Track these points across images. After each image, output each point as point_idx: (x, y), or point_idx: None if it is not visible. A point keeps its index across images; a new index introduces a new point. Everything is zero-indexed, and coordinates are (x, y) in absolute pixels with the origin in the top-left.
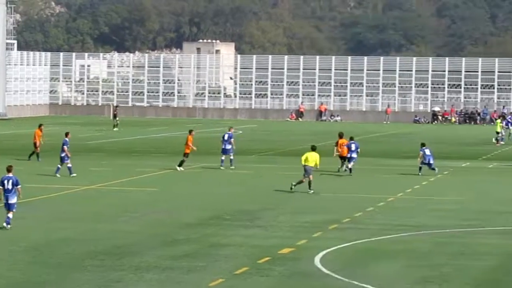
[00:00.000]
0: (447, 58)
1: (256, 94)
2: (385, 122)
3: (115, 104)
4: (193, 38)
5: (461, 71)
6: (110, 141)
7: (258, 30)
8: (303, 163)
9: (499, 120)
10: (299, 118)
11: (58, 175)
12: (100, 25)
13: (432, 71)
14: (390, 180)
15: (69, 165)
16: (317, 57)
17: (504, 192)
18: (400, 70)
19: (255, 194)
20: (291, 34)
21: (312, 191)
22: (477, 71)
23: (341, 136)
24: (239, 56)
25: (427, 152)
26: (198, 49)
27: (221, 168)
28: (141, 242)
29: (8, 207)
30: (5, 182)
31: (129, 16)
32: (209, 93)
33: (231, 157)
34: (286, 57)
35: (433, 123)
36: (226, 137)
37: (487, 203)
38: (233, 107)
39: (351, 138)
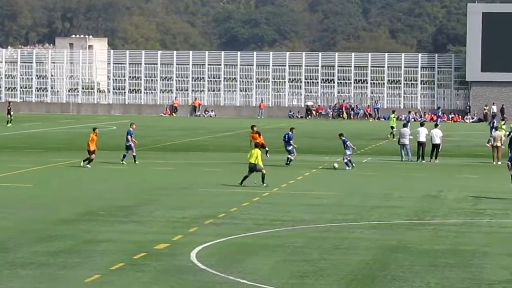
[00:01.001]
0: (320, 53)
1: (129, 89)
2: (259, 117)
3: (9, 100)
4: (65, 34)
5: (334, 66)
6: None
7: (131, 25)
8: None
9: (393, 115)
10: (173, 114)
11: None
12: None
13: (306, 66)
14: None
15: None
16: (191, 52)
17: (378, 187)
18: (273, 65)
19: (130, 190)
20: (164, 30)
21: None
22: (350, 66)
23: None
24: (112, 51)
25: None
26: (71, 44)
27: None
28: (16, 238)
29: None
30: None
31: (1, 11)
32: (82, 88)
33: (291, 157)
34: (159, 52)
35: (307, 117)
36: (286, 137)
37: (361, 198)
38: (107, 103)
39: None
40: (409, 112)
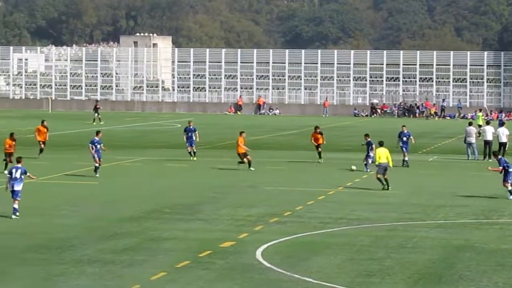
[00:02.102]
0: (385, 51)
1: (194, 87)
2: (323, 115)
3: (96, 99)
4: (130, 32)
5: (399, 64)
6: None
7: (196, 24)
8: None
9: (480, 114)
10: (238, 112)
11: None
12: (37, 18)
13: (370, 64)
14: (331, 173)
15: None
16: (255, 50)
17: (444, 186)
18: (338, 63)
19: (195, 188)
20: (228, 28)
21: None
22: (415, 64)
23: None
24: (176, 49)
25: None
26: (135, 42)
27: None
28: (82, 236)
29: (13, 194)
30: (13, 171)
31: (66, 10)
32: (147, 86)
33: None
34: (223, 50)
35: (372, 116)
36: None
37: (427, 197)
38: (172, 101)
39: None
40: (480, 110)
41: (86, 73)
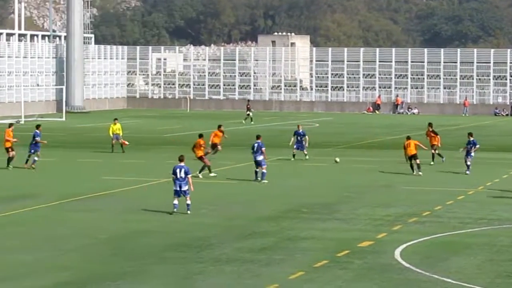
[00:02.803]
0: None
1: (332, 86)
2: (463, 115)
3: (248, 98)
4: (268, 31)
5: None
6: (186, 134)
7: (333, 23)
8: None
9: None
10: (376, 111)
11: None
12: (175, 18)
13: (511, 63)
14: (471, 173)
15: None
16: (393, 49)
17: None
18: (477, 62)
19: (331, 187)
20: (366, 27)
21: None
22: None
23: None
24: (314, 48)
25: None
26: (273, 42)
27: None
28: (220, 235)
29: (182, 193)
30: (177, 170)
31: (204, 10)
32: (285, 86)
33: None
34: (361, 49)
35: None
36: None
37: None
38: (310, 100)
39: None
40: None
41: (224, 73)
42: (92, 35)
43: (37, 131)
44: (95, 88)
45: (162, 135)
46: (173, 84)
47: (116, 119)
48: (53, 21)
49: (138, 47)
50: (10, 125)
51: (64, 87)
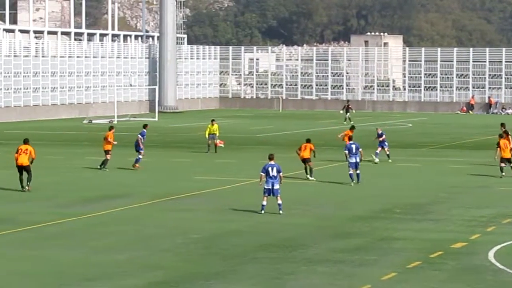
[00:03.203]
0: None
1: (425, 87)
2: None
3: (348, 99)
4: (360, 31)
5: None
6: (279, 134)
7: (427, 23)
8: None
9: None
10: (470, 111)
11: None
12: (268, 18)
13: None
14: None
15: None
16: (487, 49)
17: None
18: None
19: (424, 187)
20: (460, 26)
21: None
22: None
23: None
24: (407, 48)
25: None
26: (366, 42)
27: None
28: (312, 235)
29: (273, 192)
30: (269, 169)
31: (297, 10)
32: (377, 86)
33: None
34: (455, 49)
35: None
36: None
37: None
38: (402, 100)
39: None
40: None
41: (316, 73)
42: (185, 35)
43: (144, 130)
44: (188, 88)
45: (255, 135)
46: (266, 84)
47: (213, 120)
48: (146, 22)
49: (230, 47)
50: (111, 128)
51: (157, 87)
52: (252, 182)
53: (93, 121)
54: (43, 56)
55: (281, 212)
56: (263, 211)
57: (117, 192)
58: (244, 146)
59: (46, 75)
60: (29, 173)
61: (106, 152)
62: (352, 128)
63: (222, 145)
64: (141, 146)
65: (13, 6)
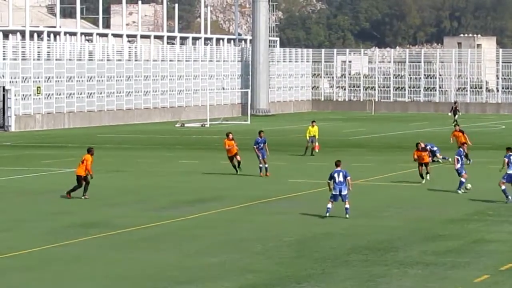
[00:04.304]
0: None
1: None
2: None
3: (455, 100)
4: (453, 33)
5: None
6: (371, 136)
7: None
8: None
9: None
10: None
11: None
12: (360, 21)
13: None
14: None
15: None
16: None
17: None
18: None
19: None
20: None
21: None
22: None
23: None
24: (501, 50)
25: None
26: (459, 43)
27: None
28: (405, 237)
29: (341, 198)
30: (335, 175)
31: (390, 12)
32: (470, 87)
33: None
34: None
35: None
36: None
37: None
38: (496, 102)
39: None
40: None
41: (409, 75)
42: (277, 38)
43: (258, 137)
44: (280, 91)
45: (347, 137)
46: (358, 87)
47: (314, 121)
48: (238, 25)
49: (323, 50)
50: (228, 134)
51: (249, 90)
52: None
53: (186, 125)
54: (136, 60)
55: (347, 216)
56: (327, 214)
57: (210, 195)
58: (337, 148)
59: (139, 79)
60: (86, 183)
61: (232, 158)
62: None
63: (317, 150)
64: (259, 154)
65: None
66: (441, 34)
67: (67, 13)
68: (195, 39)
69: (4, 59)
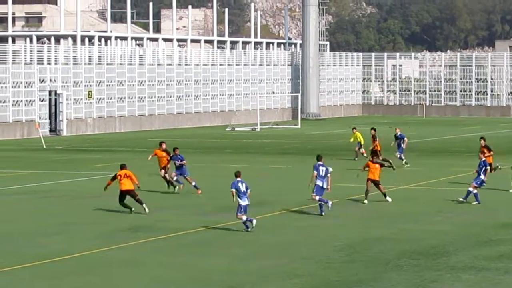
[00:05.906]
0: None
1: None
2: None
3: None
4: (505, 36)
5: None
6: (422, 140)
7: None
8: None
9: None
10: None
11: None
12: (411, 24)
13: None
14: None
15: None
16: None
17: None
18: None
19: None
20: None
21: None
22: None
23: None
24: None
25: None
26: (511, 47)
27: None
28: (456, 242)
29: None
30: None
31: (440, 15)
32: None
33: None
34: None
35: None
36: None
37: None
38: None
39: None
40: None
41: (460, 79)
42: (327, 42)
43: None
44: (330, 95)
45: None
46: (409, 91)
47: (354, 127)
48: (288, 29)
49: (373, 54)
50: (161, 143)
51: (299, 94)
52: (394, 189)
53: (236, 129)
54: (186, 65)
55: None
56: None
57: (258, 199)
58: (386, 152)
59: (189, 83)
60: (135, 197)
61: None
62: None
63: (365, 155)
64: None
65: (157, 15)
66: (492, 37)
67: (118, 18)
68: (245, 43)
69: (56, 63)
